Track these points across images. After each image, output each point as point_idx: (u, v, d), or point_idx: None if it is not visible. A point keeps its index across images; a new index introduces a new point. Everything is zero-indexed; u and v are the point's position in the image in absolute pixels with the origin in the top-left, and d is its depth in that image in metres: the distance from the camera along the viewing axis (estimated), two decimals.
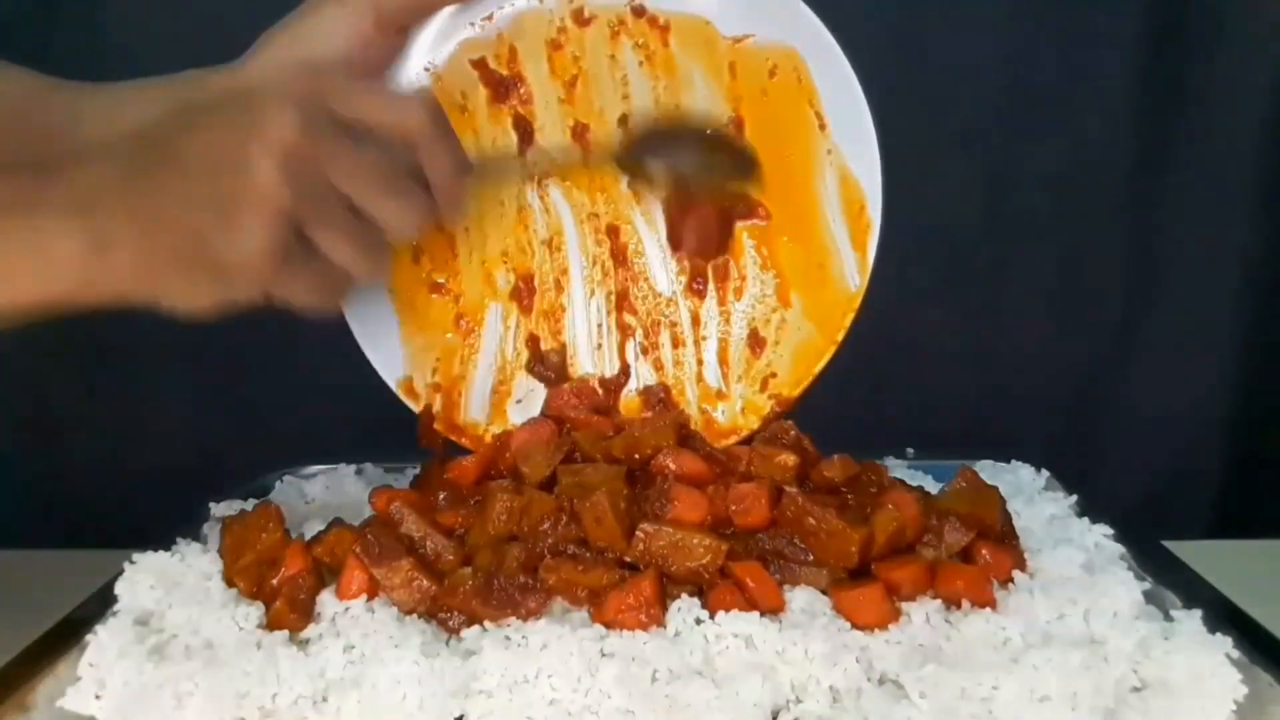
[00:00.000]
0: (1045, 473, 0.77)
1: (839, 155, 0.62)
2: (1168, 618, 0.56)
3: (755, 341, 0.66)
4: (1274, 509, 1.04)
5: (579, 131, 0.64)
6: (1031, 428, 1.02)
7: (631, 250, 0.65)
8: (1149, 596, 0.58)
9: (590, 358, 0.67)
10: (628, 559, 0.57)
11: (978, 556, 0.60)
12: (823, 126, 0.61)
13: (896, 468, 0.77)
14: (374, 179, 0.51)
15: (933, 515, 0.60)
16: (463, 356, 0.67)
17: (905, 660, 0.52)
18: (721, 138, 0.63)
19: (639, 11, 0.61)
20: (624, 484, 0.60)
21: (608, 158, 0.63)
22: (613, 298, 0.66)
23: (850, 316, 0.63)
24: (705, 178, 0.63)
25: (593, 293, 0.66)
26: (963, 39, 0.96)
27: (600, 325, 0.66)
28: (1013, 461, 0.79)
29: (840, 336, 0.64)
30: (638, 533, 0.57)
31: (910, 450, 0.79)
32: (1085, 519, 0.68)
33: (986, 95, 0.97)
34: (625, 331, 0.66)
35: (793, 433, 0.65)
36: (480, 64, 0.63)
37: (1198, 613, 0.55)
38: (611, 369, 0.67)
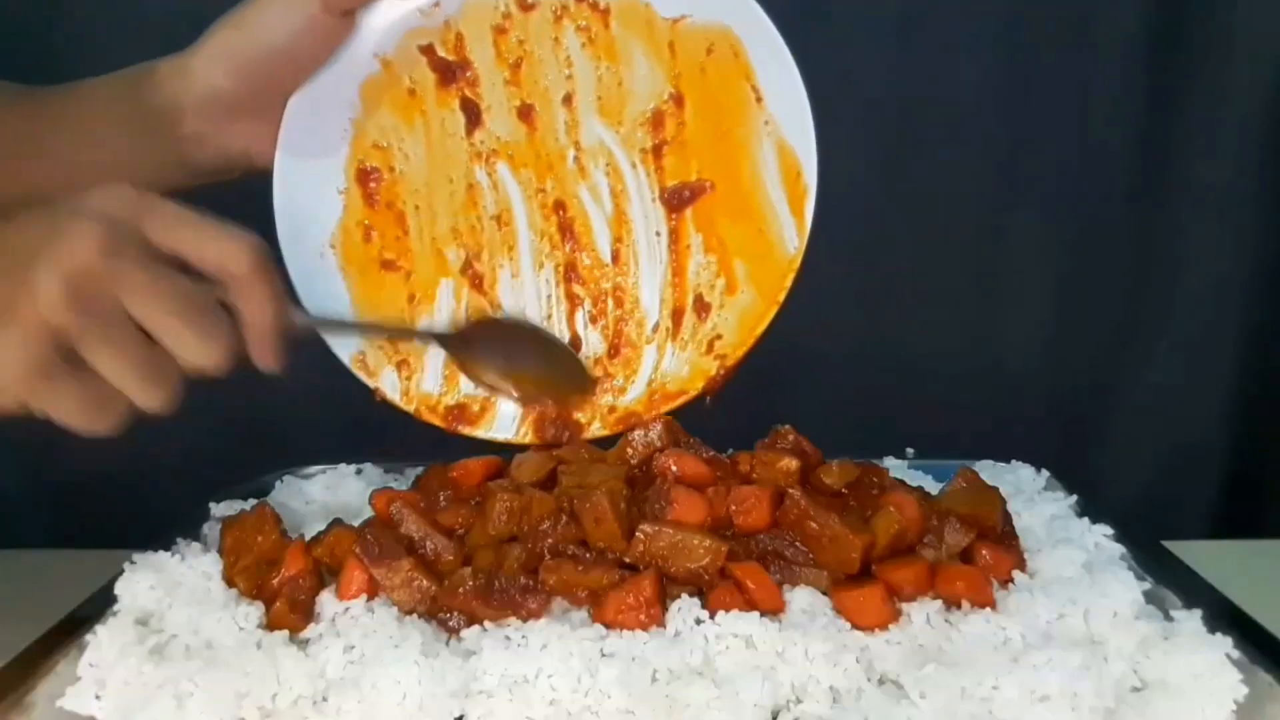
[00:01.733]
0: (1045, 473, 0.77)
1: (775, 126, 0.63)
2: (1168, 618, 0.56)
3: (700, 307, 0.67)
4: (1274, 509, 1.04)
5: (525, 112, 0.66)
6: (1031, 427, 1.03)
7: (579, 225, 0.67)
8: (1149, 596, 0.58)
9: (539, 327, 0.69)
10: (627, 559, 0.57)
11: (978, 557, 0.60)
12: (759, 99, 0.63)
13: (896, 468, 0.77)
14: (173, 310, 0.49)
15: (933, 516, 0.60)
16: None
17: (905, 660, 0.52)
18: (560, 350, 0.68)
19: None
20: (624, 484, 0.60)
21: (436, 339, 0.67)
22: (561, 269, 0.68)
23: (790, 278, 0.65)
24: (535, 383, 0.67)
25: (541, 265, 0.67)
26: (963, 38, 0.96)
27: (549, 296, 0.68)
28: (1013, 461, 0.79)
29: (781, 298, 0.65)
30: (638, 534, 0.57)
31: (910, 450, 0.79)
32: (1085, 519, 0.68)
33: (988, 96, 0.97)
34: (574, 301, 0.68)
35: (792, 437, 0.65)
36: (428, 50, 0.65)
37: (1198, 613, 0.55)
38: (562, 338, 0.68)
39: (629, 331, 0.68)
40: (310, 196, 0.66)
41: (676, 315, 0.67)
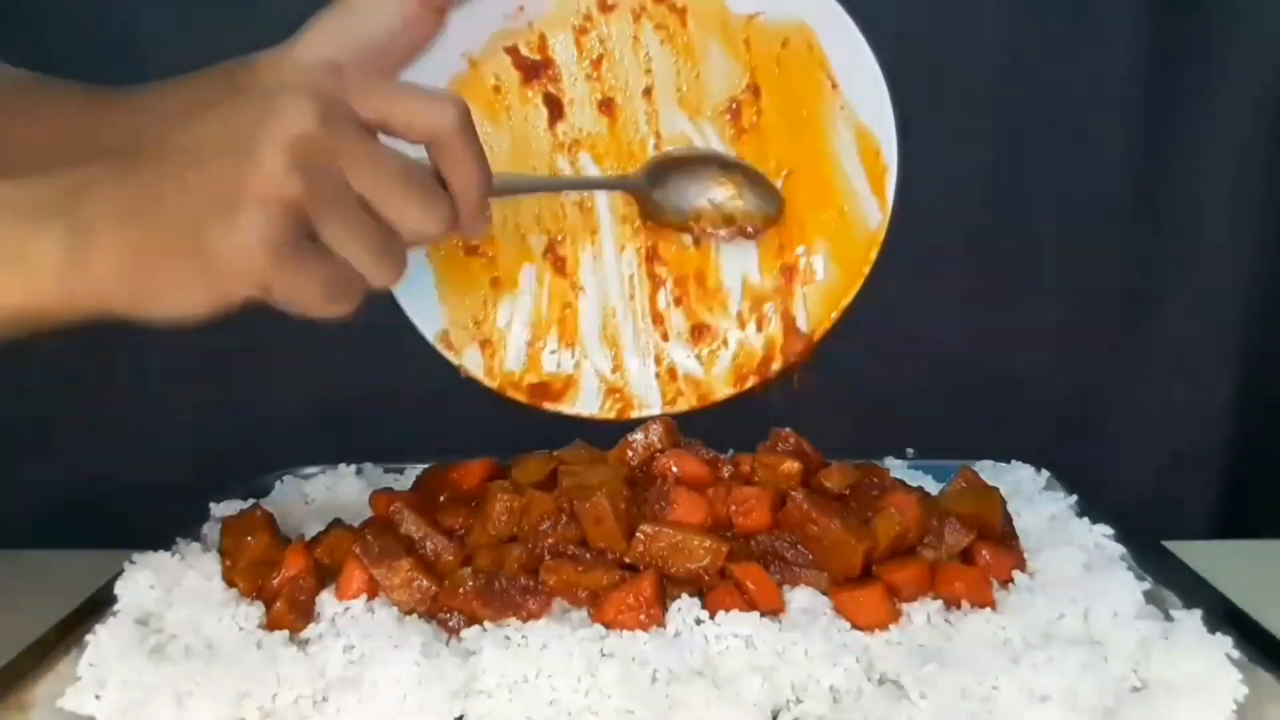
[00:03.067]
0: (1045, 473, 0.77)
1: (851, 111, 0.65)
2: (1168, 618, 0.56)
3: (783, 286, 0.69)
4: (1274, 509, 1.04)
5: (605, 105, 0.67)
6: (1031, 427, 1.02)
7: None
8: (1149, 596, 0.59)
9: (624, 308, 0.69)
10: (628, 560, 0.57)
11: (978, 557, 0.60)
12: (835, 86, 0.65)
13: (896, 468, 0.77)
14: (395, 179, 0.47)
15: (933, 516, 0.60)
16: (498, 315, 0.70)
17: (905, 660, 0.52)
18: (746, 170, 0.67)
19: None
20: (624, 485, 0.60)
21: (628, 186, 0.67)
22: (642, 251, 0.69)
23: (874, 253, 0.66)
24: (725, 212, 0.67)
25: (623, 248, 0.69)
26: (963, 38, 0.96)
27: (631, 276, 0.69)
28: (1013, 461, 0.79)
29: (865, 272, 0.67)
30: (638, 534, 0.57)
31: (910, 450, 0.79)
32: (1085, 519, 0.68)
33: (988, 95, 0.97)
34: (656, 281, 0.69)
35: (793, 440, 0.65)
36: (512, 50, 0.67)
37: (1198, 613, 0.55)
38: (645, 318, 0.69)
39: (712, 312, 0.69)
40: None
41: (758, 297, 0.68)
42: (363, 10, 0.62)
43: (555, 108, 0.68)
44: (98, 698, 0.51)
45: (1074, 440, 1.04)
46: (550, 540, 0.59)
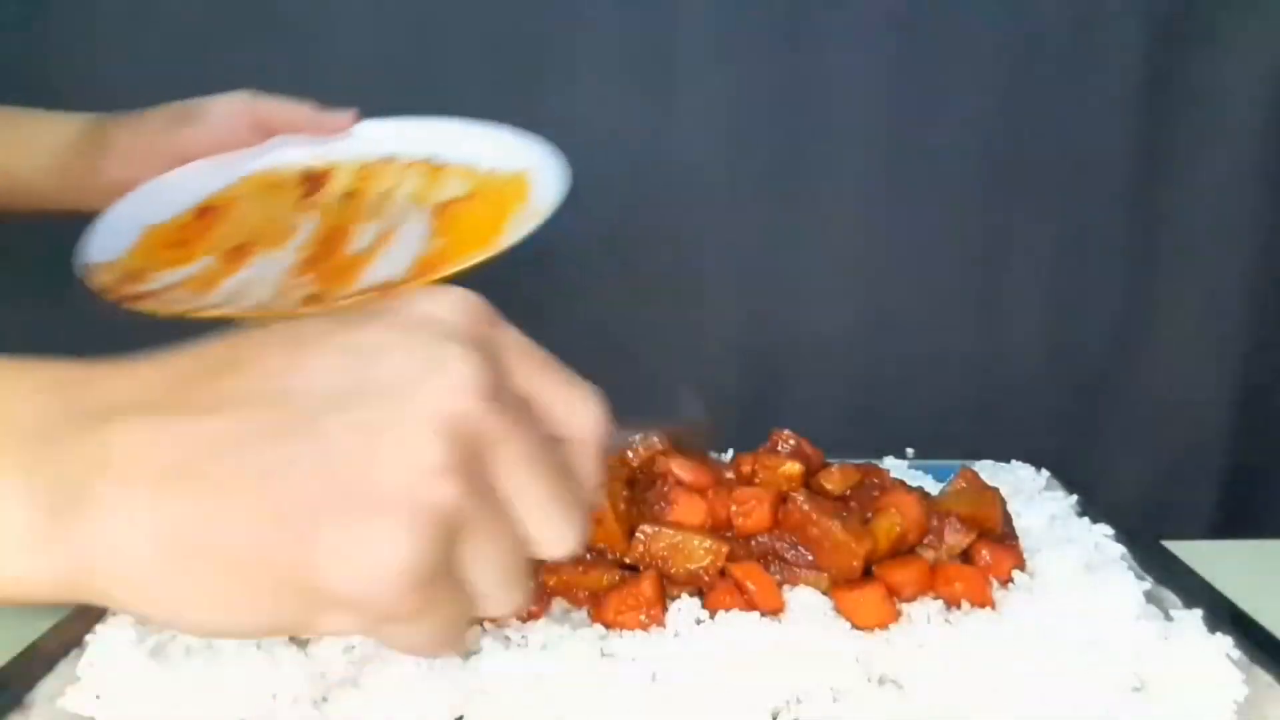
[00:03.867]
0: (1045, 473, 0.77)
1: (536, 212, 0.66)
2: (1168, 618, 0.56)
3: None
4: (1274, 509, 1.04)
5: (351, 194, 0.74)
6: (1031, 427, 1.02)
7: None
8: (1149, 596, 0.58)
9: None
10: (628, 560, 0.57)
11: (977, 557, 0.60)
12: (526, 198, 0.67)
13: (896, 468, 0.77)
14: (555, 482, 0.34)
15: (933, 516, 0.60)
16: None
17: (905, 660, 0.52)
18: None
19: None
20: (623, 485, 0.60)
21: None
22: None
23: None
24: None
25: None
26: (963, 38, 0.96)
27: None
28: (1013, 461, 0.79)
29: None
30: (638, 534, 0.57)
31: (910, 450, 0.79)
32: (1085, 519, 0.68)
33: (987, 96, 0.97)
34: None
35: (793, 441, 0.65)
36: (303, 173, 0.74)
37: (1198, 613, 0.55)
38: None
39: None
40: (162, 195, 0.71)
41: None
42: (204, 122, 0.69)
43: (315, 185, 0.74)
44: (98, 698, 0.51)
45: (1074, 440, 1.04)
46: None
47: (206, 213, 0.71)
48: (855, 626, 0.54)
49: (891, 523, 0.58)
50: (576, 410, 0.36)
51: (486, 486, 0.31)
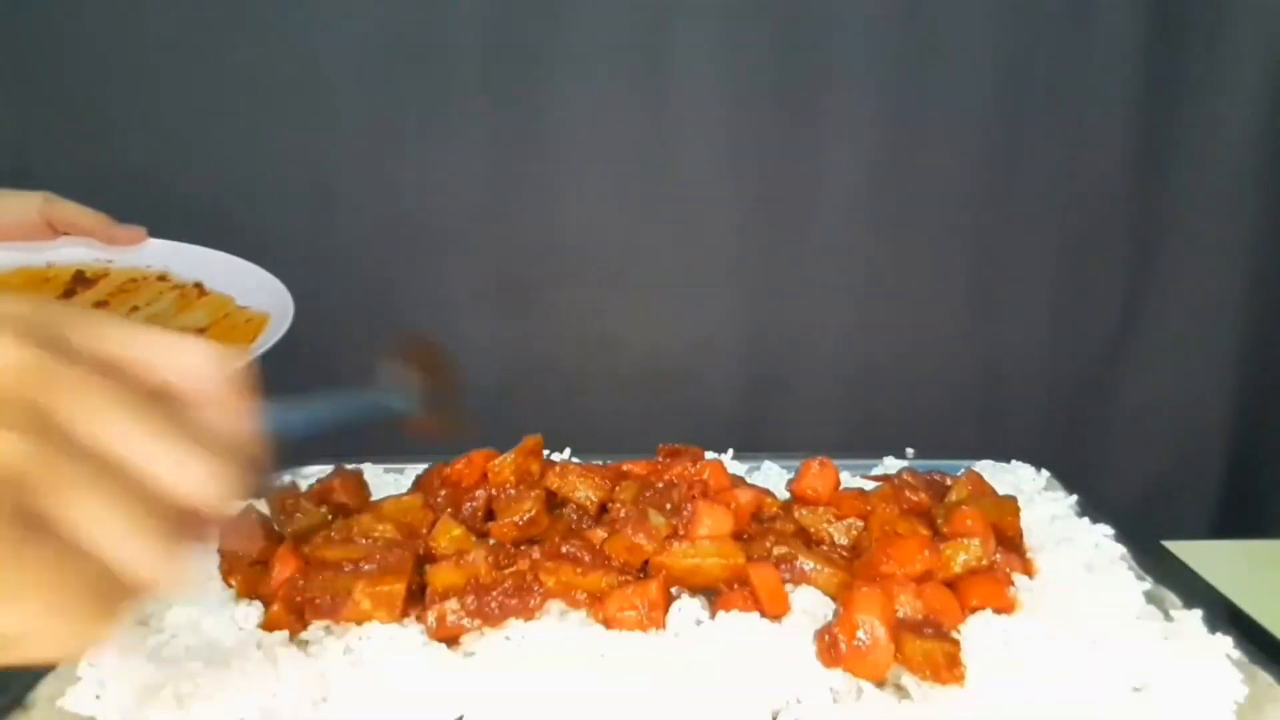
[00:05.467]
0: (1045, 473, 0.77)
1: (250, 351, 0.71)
2: (1168, 618, 0.56)
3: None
4: (1274, 509, 1.04)
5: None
6: (1031, 427, 1.02)
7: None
8: (1149, 596, 0.58)
9: None
10: (642, 572, 0.57)
11: (995, 565, 0.59)
12: (255, 340, 0.71)
13: (896, 468, 0.77)
14: (156, 421, 0.32)
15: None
16: None
17: None
18: None
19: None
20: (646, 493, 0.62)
21: None
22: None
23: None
24: None
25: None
26: (963, 38, 0.96)
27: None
28: (1013, 461, 0.79)
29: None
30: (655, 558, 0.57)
31: (910, 450, 0.79)
32: (1085, 519, 0.68)
33: (987, 96, 0.97)
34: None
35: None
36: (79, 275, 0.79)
37: (1198, 613, 0.55)
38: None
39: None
40: None
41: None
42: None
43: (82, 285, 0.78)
44: (98, 698, 0.51)
45: (1074, 440, 1.04)
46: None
47: None
48: None
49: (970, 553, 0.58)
50: (173, 355, 0.35)
51: (67, 441, 0.30)
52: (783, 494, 0.68)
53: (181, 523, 0.32)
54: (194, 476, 0.32)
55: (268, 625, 0.56)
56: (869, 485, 0.68)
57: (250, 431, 0.36)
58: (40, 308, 0.33)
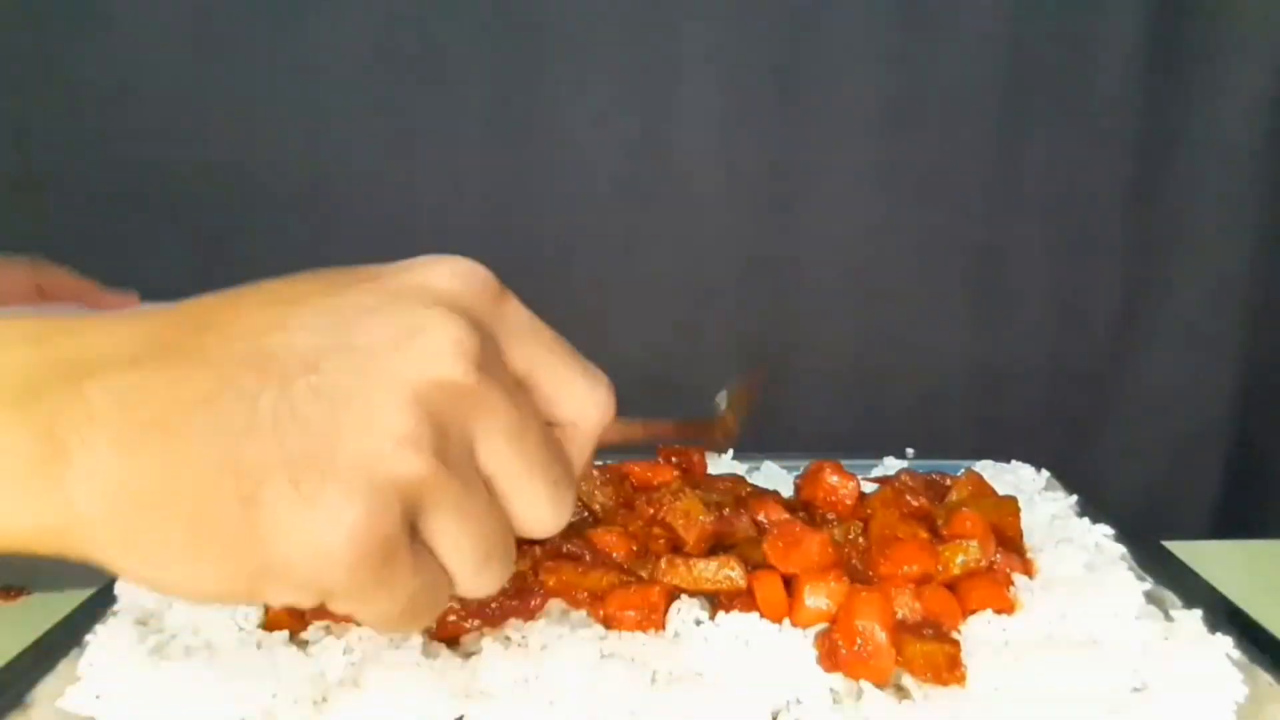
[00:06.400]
0: (1045, 473, 0.77)
1: None
2: (1168, 618, 0.56)
3: None
4: (1274, 509, 1.04)
5: None
6: (1031, 427, 1.03)
7: None
8: (1149, 596, 0.58)
9: None
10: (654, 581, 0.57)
11: (996, 566, 0.59)
12: None
13: (896, 468, 0.77)
14: (540, 459, 0.33)
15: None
16: None
17: None
18: None
19: None
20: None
21: None
22: None
23: None
24: None
25: None
26: (963, 38, 0.96)
27: None
28: (1013, 461, 0.79)
29: None
30: (661, 562, 0.57)
31: (910, 450, 0.79)
32: (1085, 519, 0.68)
33: (988, 94, 0.97)
34: None
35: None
36: None
37: (1198, 613, 0.55)
38: None
39: None
40: None
41: None
42: None
43: None
44: (98, 698, 0.51)
45: (1074, 440, 1.04)
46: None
47: None
48: None
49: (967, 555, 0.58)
50: (579, 394, 0.35)
51: (461, 460, 0.31)
52: (785, 494, 0.68)
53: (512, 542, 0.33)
54: (549, 515, 0.33)
55: (268, 625, 0.56)
56: (869, 487, 0.68)
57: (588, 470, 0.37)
58: (480, 291, 0.33)
